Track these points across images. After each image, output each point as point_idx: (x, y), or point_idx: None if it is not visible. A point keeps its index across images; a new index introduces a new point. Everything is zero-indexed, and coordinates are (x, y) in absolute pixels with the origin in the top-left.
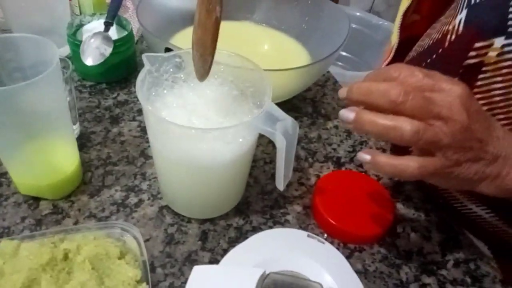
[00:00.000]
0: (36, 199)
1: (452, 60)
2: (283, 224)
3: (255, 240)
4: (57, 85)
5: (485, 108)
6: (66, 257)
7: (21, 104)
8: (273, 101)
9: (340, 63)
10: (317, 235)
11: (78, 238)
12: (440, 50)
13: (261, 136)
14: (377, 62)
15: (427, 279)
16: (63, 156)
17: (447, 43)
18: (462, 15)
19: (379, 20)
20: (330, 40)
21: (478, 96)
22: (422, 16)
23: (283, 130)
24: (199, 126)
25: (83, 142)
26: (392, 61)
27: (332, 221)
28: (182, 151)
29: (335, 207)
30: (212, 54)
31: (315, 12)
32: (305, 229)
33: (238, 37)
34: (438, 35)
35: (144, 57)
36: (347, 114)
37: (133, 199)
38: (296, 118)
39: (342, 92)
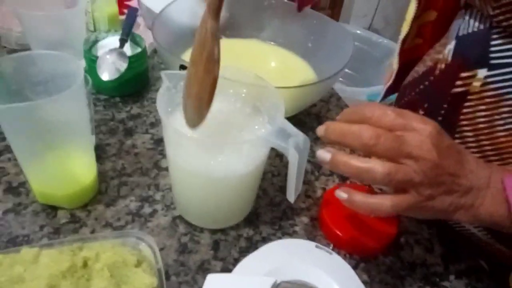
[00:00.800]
0: (54, 208)
1: (441, 88)
2: (291, 235)
3: (265, 250)
4: (81, 99)
5: (470, 134)
6: (85, 264)
7: (44, 117)
8: None
9: (341, 79)
10: (324, 246)
11: (96, 246)
12: (432, 77)
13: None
14: (376, 78)
15: None
16: (82, 167)
17: (437, 71)
18: (451, 45)
19: (378, 37)
20: (335, 58)
21: (464, 122)
22: (424, 39)
23: (295, 145)
24: (215, 140)
25: (98, 154)
26: (393, 85)
27: (338, 233)
28: (198, 163)
29: (341, 219)
30: (208, 107)
31: (320, 31)
32: (312, 239)
33: (246, 54)
34: (430, 62)
35: (163, 74)
36: (324, 154)
37: (147, 209)
38: (301, 132)
39: (320, 131)
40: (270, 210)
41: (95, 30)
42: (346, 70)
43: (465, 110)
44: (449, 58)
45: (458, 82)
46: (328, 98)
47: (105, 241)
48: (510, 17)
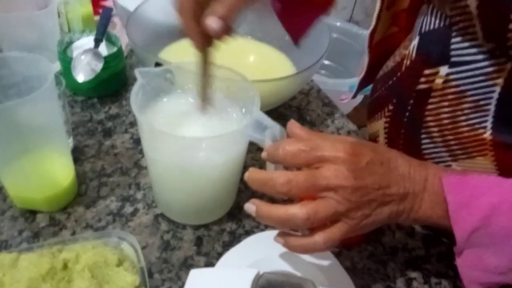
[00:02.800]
0: (33, 212)
1: (407, 84)
2: (275, 228)
3: (248, 243)
4: (53, 100)
5: (435, 129)
6: (65, 266)
7: (17, 120)
8: (260, 110)
9: (323, 71)
10: None
11: (76, 248)
12: (399, 73)
13: (250, 143)
14: (358, 70)
15: (412, 274)
16: (59, 169)
17: (403, 68)
18: (415, 41)
19: (358, 29)
20: (313, 51)
21: (429, 118)
22: (400, 28)
23: (272, 137)
24: (191, 135)
25: (77, 156)
26: (367, 77)
27: None
28: (175, 159)
29: None
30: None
31: None
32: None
33: (224, 49)
34: (398, 58)
35: (137, 71)
36: (249, 207)
37: (128, 209)
38: (283, 125)
39: (245, 177)
40: None
41: (69, 32)
42: (328, 62)
43: (429, 107)
44: (414, 55)
45: (422, 79)
46: (308, 91)
47: (86, 242)
48: (465, 19)
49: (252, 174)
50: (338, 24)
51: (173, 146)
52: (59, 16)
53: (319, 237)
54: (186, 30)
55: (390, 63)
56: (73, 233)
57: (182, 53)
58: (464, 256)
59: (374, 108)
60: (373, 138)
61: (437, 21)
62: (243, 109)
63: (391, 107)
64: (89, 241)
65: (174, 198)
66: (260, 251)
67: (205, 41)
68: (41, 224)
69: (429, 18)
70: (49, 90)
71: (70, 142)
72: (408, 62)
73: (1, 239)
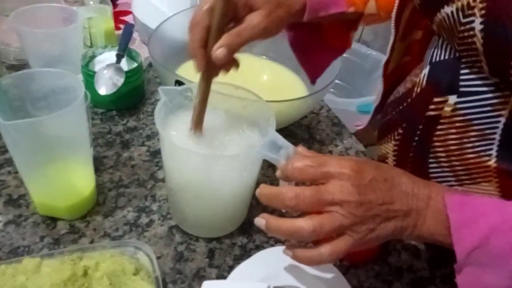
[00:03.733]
0: (54, 220)
1: (417, 110)
2: (284, 242)
3: (259, 257)
4: (82, 114)
5: (443, 154)
6: (85, 273)
7: (47, 132)
8: None
9: (332, 90)
10: None
11: (95, 256)
12: (409, 99)
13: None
14: (366, 89)
15: None
16: (81, 179)
17: (414, 94)
18: (426, 70)
19: (367, 50)
20: (325, 72)
21: (437, 144)
22: (412, 57)
23: (286, 157)
24: (209, 152)
25: (96, 166)
26: (379, 105)
27: None
28: (193, 175)
29: None
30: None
31: None
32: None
33: (240, 68)
34: (409, 84)
35: (160, 90)
36: (259, 221)
37: (144, 219)
38: (292, 144)
39: (257, 193)
40: None
41: (91, 46)
42: (337, 81)
43: (438, 133)
44: (424, 83)
45: (432, 106)
46: (318, 110)
47: (104, 250)
48: (472, 54)
49: (263, 190)
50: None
51: (192, 162)
52: (82, 31)
53: (324, 249)
54: (192, 51)
55: (401, 89)
56: (92, 241)
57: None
58: (464, 274)
59: (385, 130)
60: (383, 160)
61: (447, 53)
62: (259, 129)
63: (400, 131)
64: (107, 250)
65: (189, 211)
66: (270, 266)
67: (208, 67)
68: (61, 231)
69: (439, 49)
70: (79, 104)
71: (91, 153)
72: (419, 90)
73: (24, 244)
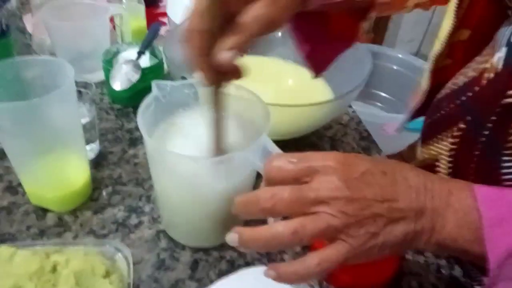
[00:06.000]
0: (45, 211)
1: (489, 99)
2: (278, 262)
3: (243, 275)
4: (71, 103)
5: None
6: (54, 269)
7: (38, 119)
8: (289, 136)
9: (378, 104)
10: (313, 280)
11: (68, 252)
12: (477, 88)
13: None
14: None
15: None
16: (73, 171)
17: (484, 81)
18: (502, 53)
19: (423, 63)
20: (353, 77)
21: None
22: (454, 60)
23: None
24: (191, 156)
25: (99, 161)
26: (422, 105)
27: None
28: (178, 179)
29: None
30: None
31: None
32: None
33: (264, 71)
34: (474, 73)
35: (154, 84)
36: (231, 237)
37: (133, 220)
38: None
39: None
40: None
41: (122, 42)
42: (385, 95)
43: None
44: (500, 67)
45: (510, 92)
46: (347, 121)
47: (84, 247)
48: None
49: (239, 198)
50: (400, 55)
51: (175, 165)
52: (114, 28)
53: (311, 259)
54: (195, 65)
55: (459, 80)
56: (76, 237)
57: None
58: None
59: (436, 129)
60: (429, 164)
61: None
62: (256, 133)
63: (462, 126)
64: (87, 247)
65: (176, 217)
66: (254, 286)
67: (216, 77)
68: (48, 223)
69: None
70: (66, 93)
71: (95, 147)
72: (492, 75)
73: (10, 232)
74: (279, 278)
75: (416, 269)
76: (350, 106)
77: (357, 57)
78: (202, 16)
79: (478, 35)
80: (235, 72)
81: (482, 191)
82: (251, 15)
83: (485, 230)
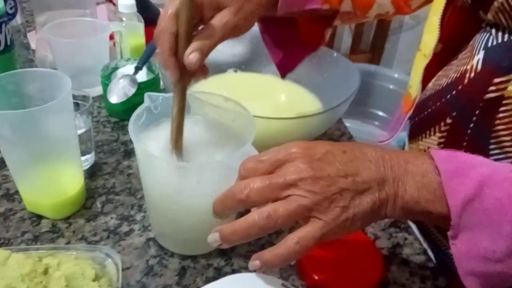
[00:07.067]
0: (40, 217)
1: (472, 95)
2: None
3: (227, 281)
4: (68, 114)
5: (507, 138)
6: (46, 271)
7: (36, 128)
8: None
9: (376, 123)
10: (297, 287)
11: (60, 256)
12: (460, 86)
13: None
14: None
15: None
16: (67, 179)
17: (466, 80)
18: (480, 56)
19: None
20: (343, 93)
21: (500, 127)
22: (429, 71)
23: None
24: (177, 163)
25: (94, 171)
26: (414, 112)
27: (314, 276)
28: (164, 185)
29: (321, 262)
30: None
31: (330, 68)
32: (285, 279)
33: (257, 88)
34: (456, 74)
35: (146, 95)
36: (213, 236)
37: (124, 228)
38: None
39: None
40: (247, 243)
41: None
42: (383, 114)
43: (500, 115)
44: (479, 67)
45: (492, 88)
46: (338, 137)
47: (76, 252)
48: None
49: (216, 198)
50: (396, 75)
51: (162, 171)
52: (114, 45)
53: (290, 238)
54: (163, 61)
55: (443, 81)
56: (68, 242)
57: (213, 87)
58: (459, 242)
59: (423, 125)
60: None
61: (505, 36)
62: (242, 143)
63: (449, 121)
64: (78, 253)
65: (164, 224)
66: None
67: (182, 76)
68: (43, 229)
69: (494, 34)
70: (63, 104)
71: (90, 158)
72: (472, 75)
73: (6, 237)
74: (264, 265)
75: (400, 280)
76: (342, 122)
77: (346, 75)
78: (174, 19)
79: (447, 49)
80: (199, 71)
81: (438, 152)
82: (218, 22)
83: (444, 182)
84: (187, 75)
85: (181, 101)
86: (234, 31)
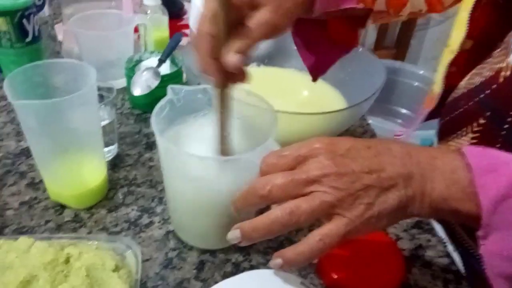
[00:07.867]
0: (63, 207)
1: (507, 94)
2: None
3: (245, 277)
4: (92, 105)
5: None
6: (67, 260)
7: (60, 119)
8: None
9: (399, 120)
10: (315, 286)
11: (81, 246)
12: (495, 85)
13: None
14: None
15: None
16: (90, 171)
17: (501, 79)
18: None
19: None
20: (367, 89)
21: None
22: (457, 68)
23: None
24: (199, 155)
25: (116, 163)
26: (435, 109)
27: (333, 275)
28: (186, 179)
29: (340, 261)
30: None
31: (355, 63)
32: (304, 277)
33: (280, 82)
34: (490, 72)
35: (169, 88)
36: (233, 233)
37: (145, 220)
38: None
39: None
40: (266, 240)
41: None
42: (406, 112)
43: None
44: None
45: None
46: (361, 134)
47: (94, 243)
48: None
49: (237, 194)
50: (421, 72)
51: (184, 164)
52: (139, 37)
53: (313, 236)
54: (203, 66)
55: (476, 80)
56: (90, 232)
57: None
58: (489, 242)
59: (455, 125)
60: None
61: None
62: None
63: (482, 121)
64: (99, 243)
65: (184, 218)
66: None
67: (224, 79)
68: (66, 219)
69: None
70: (87, 95)
71: (113, 149)
72: (508, 73)
73: (29, 225)
74: (286, 263)
75: (422, 282)
76: (365, 119)
77: (371, 71)
78: (212, 21)
79: (479, 46)
80: (241, 75)
81: (469, 148)
82: (257, 21)
83: (476, 179)
84: (228, 79)
85: (226, 107)
86: (273, 30)
